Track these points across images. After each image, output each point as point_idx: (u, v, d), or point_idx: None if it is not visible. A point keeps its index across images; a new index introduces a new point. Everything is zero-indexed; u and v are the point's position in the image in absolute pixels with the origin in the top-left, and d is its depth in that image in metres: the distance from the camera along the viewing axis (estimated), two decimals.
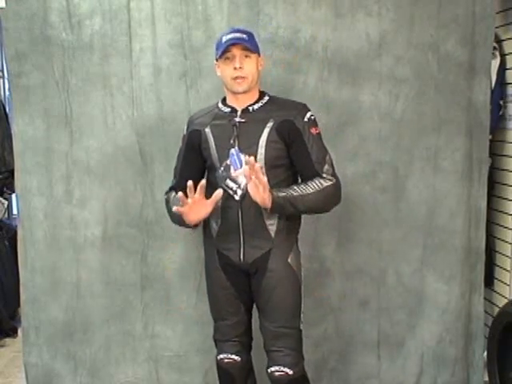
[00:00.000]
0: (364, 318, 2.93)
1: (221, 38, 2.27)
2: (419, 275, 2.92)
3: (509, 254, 3.14)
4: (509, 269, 3.14)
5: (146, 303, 2.90)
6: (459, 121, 2.84)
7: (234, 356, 2.45)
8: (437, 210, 2.89)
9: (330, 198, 2.31)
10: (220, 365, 2.49)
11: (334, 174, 2.31)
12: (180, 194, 2.17)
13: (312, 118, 2.32)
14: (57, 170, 2.82)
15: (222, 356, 2.47)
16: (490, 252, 3.23)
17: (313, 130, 2.30)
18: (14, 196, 4.29)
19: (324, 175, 2.28)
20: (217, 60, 2.30)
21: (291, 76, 2.77)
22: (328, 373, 2.96)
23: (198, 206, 2.20)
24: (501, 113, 3.15)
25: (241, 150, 2.26)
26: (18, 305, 2.97)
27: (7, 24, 2.75)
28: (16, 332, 4.00)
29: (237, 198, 2.26)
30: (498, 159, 3.20)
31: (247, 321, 2.48)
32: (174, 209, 2.21)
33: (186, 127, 2.43)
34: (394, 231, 2.89)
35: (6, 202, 4.32)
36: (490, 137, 2.98)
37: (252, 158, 2.12)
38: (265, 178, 2.12)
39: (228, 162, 2.27)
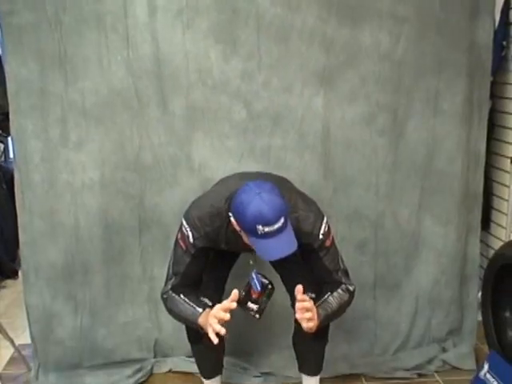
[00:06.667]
0: (361, 261, 2.96)
1: (255, 229, 2.01)
2: (416, 218, 2.93)
3: (507, 198, 3.15)
4: (506, 212, 3.16)
5: (145, 246, 2.92)
6: (460, 62, 2.79)
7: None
8: (436, 152, 2.87)
9: (347, 307, 2.32)
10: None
11: (348, 276, 2.34)
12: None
13: (326, 229, 2.26)
14: (52, 112, 2.77)
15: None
16: (488, 195, 3.23)
17: (327, 243, 2.26)
18: (10, 139, 4.25)
19: (344, 281, 2.30)
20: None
21: (290, 15, 2.69)
22: None
23: None
24: (503, 54, 3.09)
25: (259, 272, 2.28)
26: (18, 247, 2.98)
27: None
28: (17, 274, 4.05)
29: (258, 317, 2.27)
30: (498, 101, 3.16)
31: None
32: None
33: (190, 233, 2.26)
34: (392, 174, 2.88)
35: (1, 146, 4.30)
36: (492, 78, 2.93)
37: (300, 286, 2.09)
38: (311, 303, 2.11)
39: (252, 284, 2.25)
